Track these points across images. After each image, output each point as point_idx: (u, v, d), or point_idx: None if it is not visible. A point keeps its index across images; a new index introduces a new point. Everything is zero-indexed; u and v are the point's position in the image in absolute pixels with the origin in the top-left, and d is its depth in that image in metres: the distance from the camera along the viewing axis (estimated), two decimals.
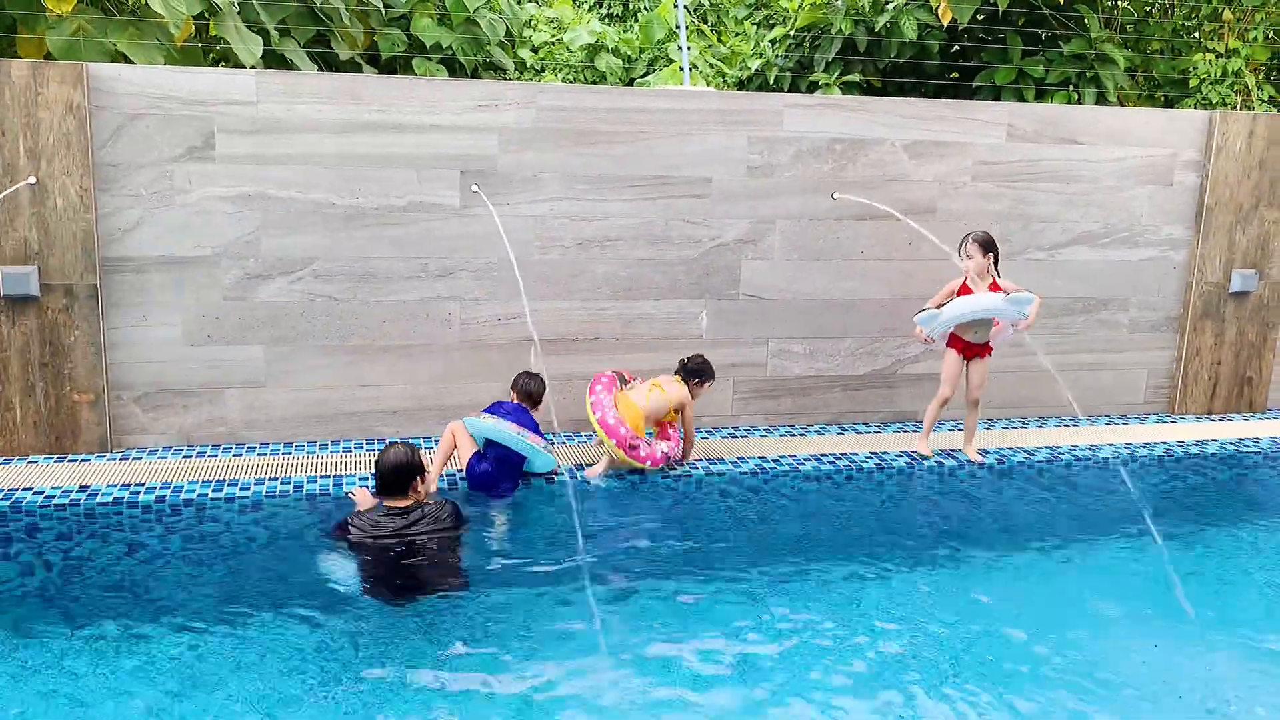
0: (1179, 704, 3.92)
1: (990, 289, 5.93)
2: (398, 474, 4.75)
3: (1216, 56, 9.04)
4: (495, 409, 5.57)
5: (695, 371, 5.92)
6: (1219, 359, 7.42)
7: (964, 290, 5.98)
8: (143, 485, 5.35)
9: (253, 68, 7.20)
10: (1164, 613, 4.65)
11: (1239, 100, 9.03)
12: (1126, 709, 3.90)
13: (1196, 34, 9.80)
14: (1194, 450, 6.62)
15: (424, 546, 4.68)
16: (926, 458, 6.19)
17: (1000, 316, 5.92)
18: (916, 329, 5.99)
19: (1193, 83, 9.04)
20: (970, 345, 6.06)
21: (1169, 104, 9.51)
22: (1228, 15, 9.11)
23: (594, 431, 5.87)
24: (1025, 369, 7.09)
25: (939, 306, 5.97)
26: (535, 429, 5.54)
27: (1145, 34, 10.03)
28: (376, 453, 5.17)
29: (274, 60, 7.73)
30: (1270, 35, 9.03)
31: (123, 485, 5.34)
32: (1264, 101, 9.06)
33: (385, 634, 4.21)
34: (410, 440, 6.15)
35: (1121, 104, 9.34)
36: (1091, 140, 6.94)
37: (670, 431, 5.97)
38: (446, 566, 4.70)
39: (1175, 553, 5.24)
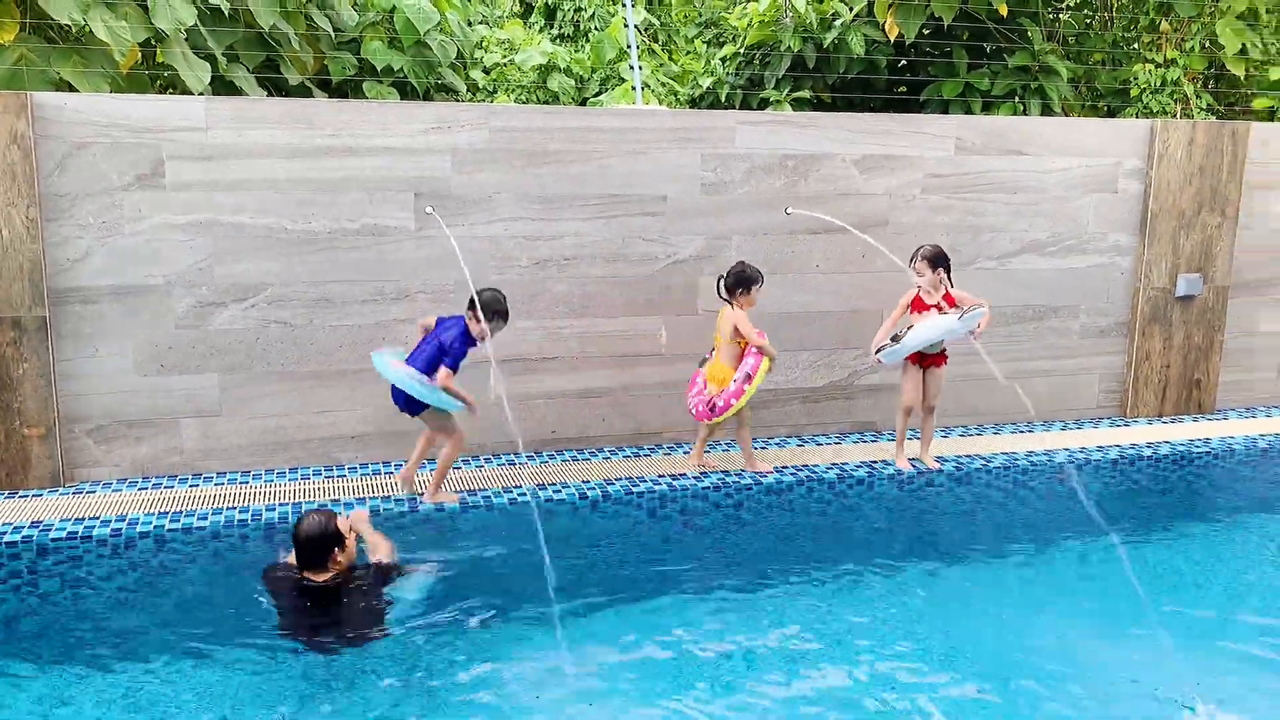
0: (1147, 703, 3.99)
1: (945, 298, 6.00)
2: (312, 545, 4.38)
3: (1156, 66, 9.25)
4: (438, 326, 5.48)
5: (733, 286, 5.87)
6: (1168, 362, 7.57)
7: (917, 302, 6.04)
8: (97, 519, 5.25)
9: (201, 94, 7.14)
10: (1124, 613, 4.73)
11: (1178, 109, 9.24)
12: (1093, 709, 3.95)
13: (1136, 45, 10.03)
14: (1147, 452, 6.73)
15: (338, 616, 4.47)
16: (903, 470, 6.22)
17: (953, 337, 5.98)
18: (874, 358, 6.05)
19: (1134, 92, 9.24)
20: (925, 355, 6.13)
21: (1111, 114, 9.71)
22: (1165, 27, 9.33)
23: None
24: (980, 377, 7.18)
25: (895, 324, 6.04)
26: (448, 351, 5.32)
27: (1087, 45, 10.25)
28: (297, 515, 4.88)
29: (222, 86, 7.67)
30: (1206, 45, 9.26)
31: (76, 520, 5.24)
32: (1202, 110, 9.28)
33: (349, 668, 4.17)
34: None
35: (1066, 114, 9.52)
36: (1037, 151, 7.07)
37: (749, 351, 5.89)
38: (363, 623, 4.42)
39: (1132, 553, 5.32)
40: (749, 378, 5.80)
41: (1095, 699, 4.01)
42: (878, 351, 5.97)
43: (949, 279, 6.05)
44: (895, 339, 5.91)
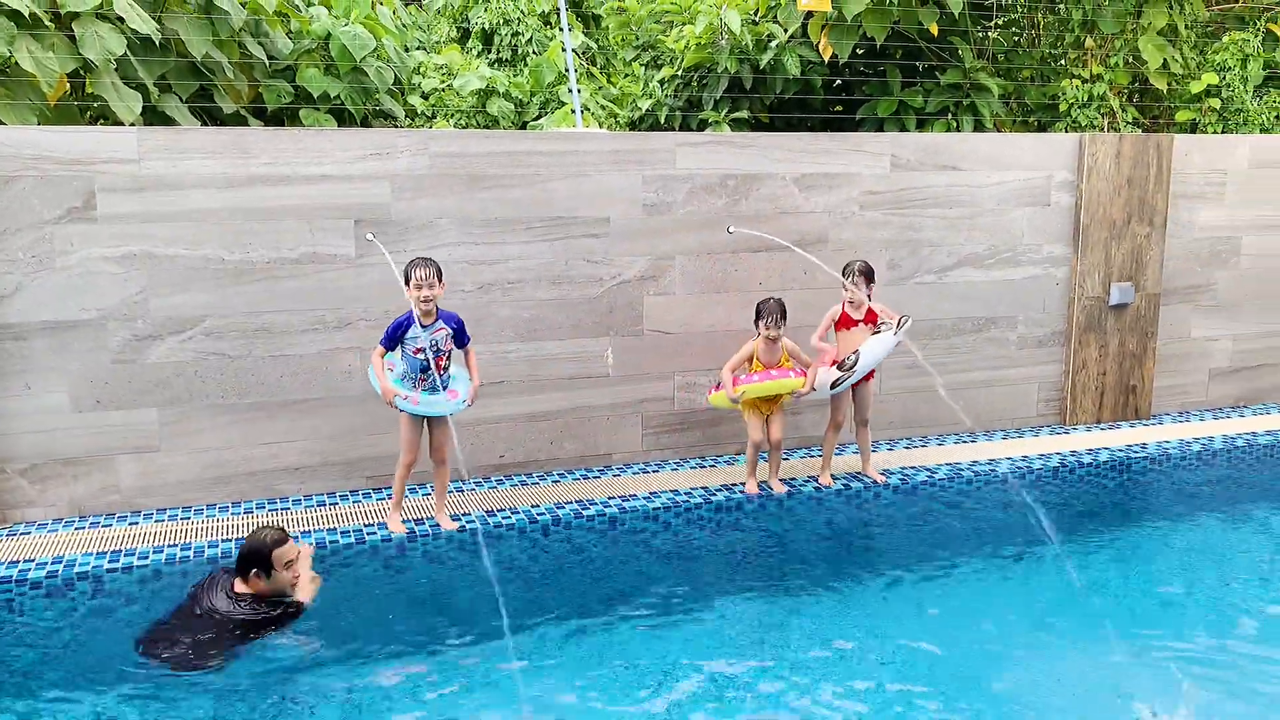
0: (1092, 706, 4.04)
1: (867, 315, 6.10)
2: (241, 552, 4.55)
3: (1082, 82, 9.47)
4: (407, 324, 5.36)
5: (755, 318, 6.07)
6: (1104, 370, 7.73)
7: (844, 318, 6.14)
8: (33, 561, 5.11)
9: (132, 124, 7.02)
10: (1069, 619, 4.80)
11: (1105, 122, 9.47)
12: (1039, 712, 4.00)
13: (1063, 61, 10.27)
14: (1086, 459, 6.86)
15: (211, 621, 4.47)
16: (828, 486, 6.28)
17: (892, 351, 6.07)
18: (829, 393, 6.10)
19: (1062, 107, 9.45)
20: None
21: (1042, 128, 9.93)
22: (1090, 43, 9.57)
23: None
24: (922, 389, 7.28)
25: (822, 337, 6.13)
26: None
27: (1016, 62, 10.47)
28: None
29: (155, 117, 7.54)
30: (1130, 60, 9.52)
31: (10, 562, 5.09)
32: (1128, 123, 9.53)
33: (313, 694, 4.09)
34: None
35: (998, 130, 9.71)
36: (971, 166, 7.20)
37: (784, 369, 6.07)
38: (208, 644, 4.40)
39: (1075, 559, 5.41)
40: (717, 385, 6.11)
41: (1040, 703, 4.06)
42: (834, 386, 6.01)
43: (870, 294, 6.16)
44: (843, 368, 5.95)
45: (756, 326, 6.06)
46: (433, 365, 5.34)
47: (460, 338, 5.48)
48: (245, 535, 4.58)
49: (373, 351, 5.43)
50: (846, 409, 6.28)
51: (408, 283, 5.27)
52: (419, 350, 5.34)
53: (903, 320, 5.94)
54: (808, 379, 6.03)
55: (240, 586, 4.55)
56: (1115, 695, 4.10)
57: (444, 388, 5.40)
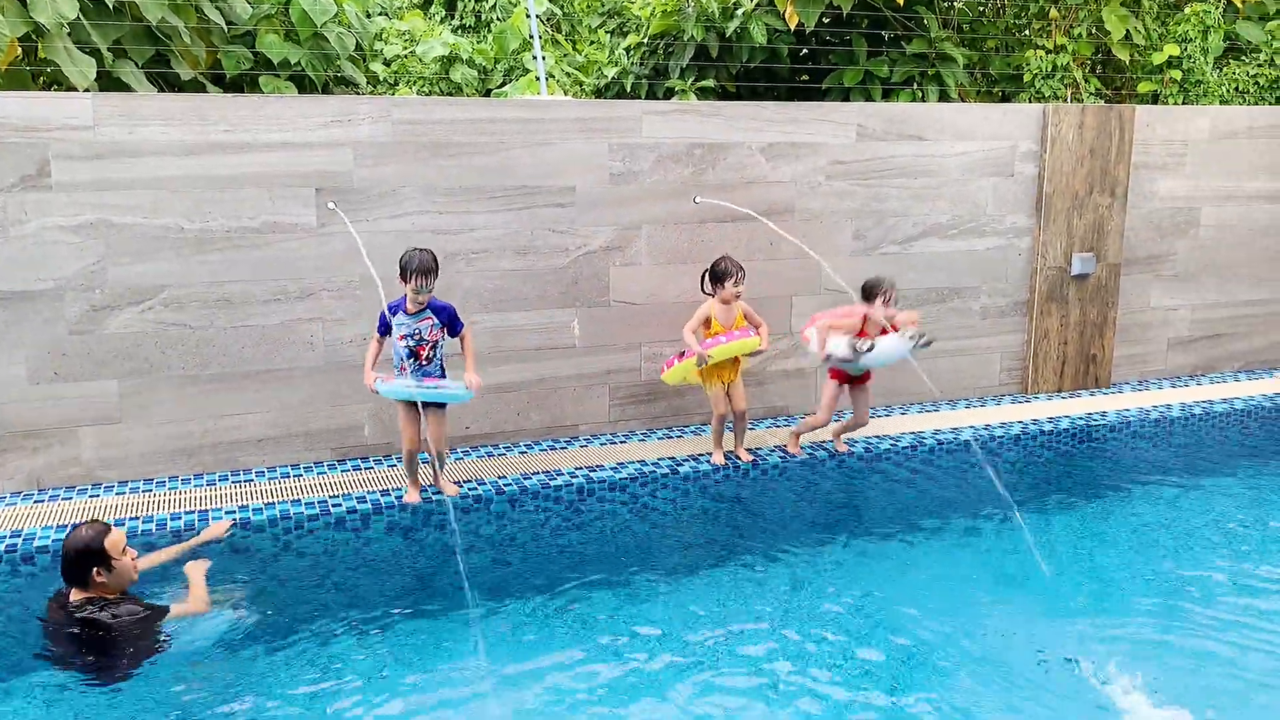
0: (1048, 676, 4.12)
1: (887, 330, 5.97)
2: (67, 559, 4.06)
3: (1046, 52, 9.52)
4: (394, 310, 5.37)
5: (710, 280, 6.02)
6: (1065, 339, 7.82)
7: (862, 332, 5.99)
8: None
9: (86, 91, 6.87)
10: (1029, 584, 4.88)
11: (1069, 93, 9.53)
12: (1003, 684, 4.07)
13: (1027, 31, 10.31)
14: (1048, 427, 6.95)
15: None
16: (795, 456, 6.32)
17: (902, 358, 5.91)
18: (819, 346, 5.95)
19: (1026, 78, 9.49)
20: (850, 375, 6.17)
21: (1006, 99, 9.97)
22: (1054, 14, 9.61)
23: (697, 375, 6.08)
24: None
25: (837, 334, 5.94)
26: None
27: (981, 32, 10.49)
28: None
29: (110, 83, 7.39)
30: (1093, 31, 9.57)
31: None
32: (1091, 94, 9.59)
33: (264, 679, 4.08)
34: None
35: (962, 100, 9.75)
36: (936, 136, 7.22)
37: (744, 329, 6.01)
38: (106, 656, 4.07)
39: (1036, 526, 5.49)
40: (682, 355, 6.00)
41: (1001, 668, 4.14)
42: (840, 359, 5.90)
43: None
44: (857, 350, 5.81)
45: (717, 287, 5.99)
46: (415, 353, 5.36)
47: (453, 326, 5.46)
48: (61, 545, 4.08)
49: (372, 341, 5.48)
50: (834, 411, 6.24)
51: (405, 277, 5.26)
52: (403, 337, 5.34)
53: (923, 338, 5.79)
54: (816, 340, 5.93)
55: (79, 595, 4.10)
56: (1067, 657, 4.17)
57: (425, 375, 5.38)
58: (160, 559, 4.78)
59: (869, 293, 5.91)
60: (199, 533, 5.07)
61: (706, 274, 6.08)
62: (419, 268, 5.22)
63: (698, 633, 4.42)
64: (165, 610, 4.19)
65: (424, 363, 5.38)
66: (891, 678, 4.06)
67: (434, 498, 5.58)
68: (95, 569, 4.04)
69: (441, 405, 5.50)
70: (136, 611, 4.11)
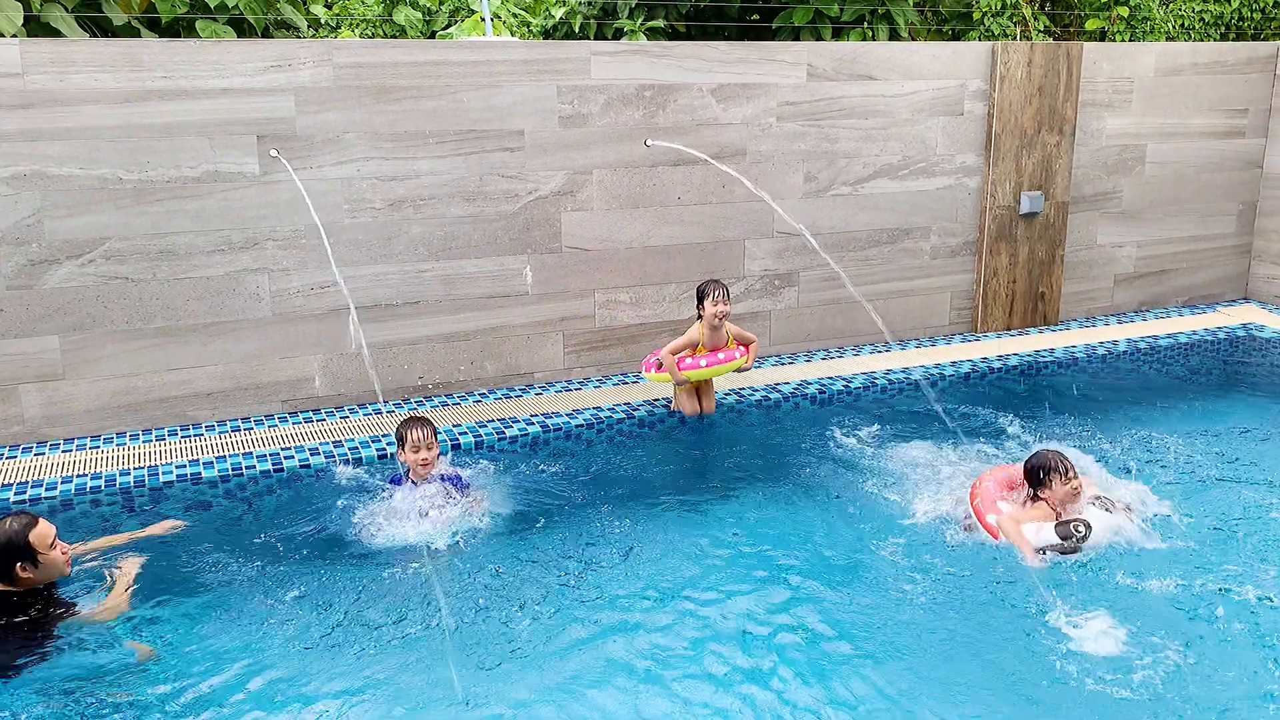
0: (1001, 606, 4.21)
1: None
2: None
3: None
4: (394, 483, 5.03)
5: (697, 301, 5.92)
6: (1014, 278, 7.90)
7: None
8: None
9: (14, 37, 6.62)
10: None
11: (1018, 31, 9.53)
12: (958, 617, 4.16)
13: None
14: (996, 365, 7.05)
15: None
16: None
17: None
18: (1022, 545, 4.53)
19: (975, 16, 9.48)
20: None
21: (956, 37, 9.96)
22: None
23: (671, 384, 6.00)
24: (838, 300, 7.37)
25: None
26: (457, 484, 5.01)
27: None
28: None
29: (38, 28, 7.12)
30: None
31: None
32: (1040, 31, 9.60)
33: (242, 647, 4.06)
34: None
35: (912, 39, 9.71)
36: (886, 76, 7.19)
37: (730, 351, 5.95)
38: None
39: (984, 460, 5.58)
40: (658, 366, 5.91)
41: (958, 602, 4.23)
42: (1048, 549, 4.46)
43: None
44: (1068, 537, 4.48)
45: (701, 309, 5.84)
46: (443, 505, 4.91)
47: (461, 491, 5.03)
48: None
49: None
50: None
51: (401, 445, 4.92)
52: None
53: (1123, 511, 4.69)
54: (1015, 541, 4.51)
55: (3, 586, 3.94)
56: (1011, 591, 4.27)
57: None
58: (99, 546, 4.61)
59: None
60: (144, 527, 4.84)
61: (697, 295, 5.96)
62: (412, 420, 4.89)
63: (654, 578, 4.46)
64: (72, 607, 4.03)
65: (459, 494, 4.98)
66: (847, 614, 4.13)
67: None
68: (20, 564, 3.89)
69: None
70: (45, 611, 3.96)
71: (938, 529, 4.81)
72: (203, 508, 5.12)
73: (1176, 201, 8.46)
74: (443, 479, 5.00)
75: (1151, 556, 4.46)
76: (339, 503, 5.05)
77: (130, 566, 4.35)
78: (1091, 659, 3.77)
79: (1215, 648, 3.86)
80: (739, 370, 6.00)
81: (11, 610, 3.92)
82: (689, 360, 5.89)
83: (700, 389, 6.16)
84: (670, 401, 6.25)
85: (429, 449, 4.92)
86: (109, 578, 4.27)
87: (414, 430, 4.91)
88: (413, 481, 4.96)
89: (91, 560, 4.47)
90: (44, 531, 3.94)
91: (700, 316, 5.90)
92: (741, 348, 5.99)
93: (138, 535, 4.74)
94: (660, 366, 5.93)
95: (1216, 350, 7.70)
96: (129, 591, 4.20)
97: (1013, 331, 7.98)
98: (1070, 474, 4.57)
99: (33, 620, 3.93)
